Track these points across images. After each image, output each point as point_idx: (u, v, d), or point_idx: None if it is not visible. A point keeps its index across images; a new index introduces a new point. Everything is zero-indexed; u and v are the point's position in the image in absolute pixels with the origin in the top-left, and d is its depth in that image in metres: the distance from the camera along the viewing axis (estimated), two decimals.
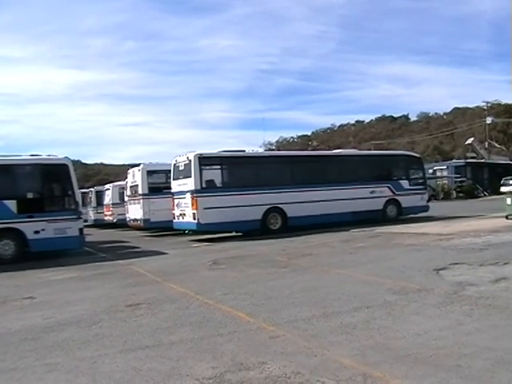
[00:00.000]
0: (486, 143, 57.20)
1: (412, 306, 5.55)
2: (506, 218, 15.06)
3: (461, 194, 39.70)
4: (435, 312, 5.26)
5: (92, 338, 5.15)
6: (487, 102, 61.73)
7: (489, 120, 58.67)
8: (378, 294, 6.29)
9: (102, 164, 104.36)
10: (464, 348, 4.08)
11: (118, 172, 56.24)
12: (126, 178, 22.36)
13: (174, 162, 16.97)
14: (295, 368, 3.86)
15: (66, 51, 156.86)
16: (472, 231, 12.30)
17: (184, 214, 15.92)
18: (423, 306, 5.56)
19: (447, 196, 39.75)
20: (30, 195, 12.79)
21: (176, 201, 16.50)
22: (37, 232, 12.48)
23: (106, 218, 28.07)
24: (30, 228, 12.41)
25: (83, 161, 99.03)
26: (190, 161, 15.57)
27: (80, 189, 27.08)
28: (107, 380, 3.90)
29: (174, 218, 16.73)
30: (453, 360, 3.83)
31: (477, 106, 72.71)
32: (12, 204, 12.36)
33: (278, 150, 64.11)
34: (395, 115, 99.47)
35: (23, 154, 14.01)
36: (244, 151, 17.85)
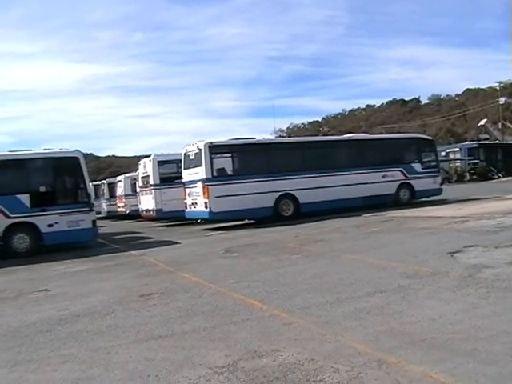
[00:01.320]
0: (500, 124, 56.24)
1: (426, 290, 5.47)
2: None
3: (474, 176, 39.13)
4: (450, 296, 5.18)
5: (105, 328, 5.17)
6: (500, 82, 60.71)
7: (502, 100, 57.70)
8: (391, 278, 6.22)
9: (113, 156, 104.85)
10: (480, 332, 4.00)
11: (130, 164, 56.44)
12: (138, 169, 22.45)
13: (184, 151, 16.95)
14: (309, 355, 3.83)
15: (75, 45, 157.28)
16: (486, 213, 12.11)
17: (196, 203, 15.94)
18: (438, 289, 5.47)
19: (460, 178, 39.25)
20: (42, 189, 12.89)
21: (187, 190, 16.51)
22: (50, 225, 12.59)
23: (118, 209, 28.25)
24: (43, 221, 12.53)
25: (95, 154, 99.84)
26: (200, 150, 15.53)
27: (92, 181, 27.39)
28: (120, 370, 3.90)
29: (186, 208, 16.75)
30: (469, 344, 3.76)
31: (489, 87, 71.56)
32: (25, 198, 12.48)
33: (289, 137, 63.85)
34: (406, 98, 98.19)
35: (36, 148, 14.09)
36: (254, 139, 17.74)
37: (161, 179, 19.79)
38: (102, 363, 4.11)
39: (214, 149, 15.60)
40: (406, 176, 18.57)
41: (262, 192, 15.68)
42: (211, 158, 15.40)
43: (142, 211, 21.60)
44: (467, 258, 7.00)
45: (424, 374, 3.31)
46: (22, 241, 12.52)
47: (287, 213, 16.27)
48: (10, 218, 12.32)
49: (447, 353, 3.64)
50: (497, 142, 49.41)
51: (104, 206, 31.56)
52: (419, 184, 18.61)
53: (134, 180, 25.10)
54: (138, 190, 22.57)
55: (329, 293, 5.77)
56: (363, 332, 4.27)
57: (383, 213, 15.31)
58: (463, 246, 7.91)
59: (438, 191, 19.28)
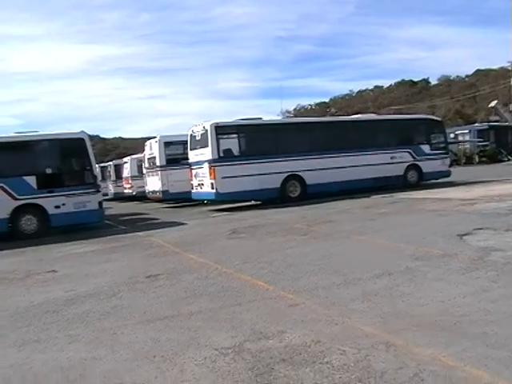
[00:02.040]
0: (511, 106, 55.33)
1: (435, 273, 5.41)
2: None
3: (483, 159, 38.68)
4: (459, 278, 5.12)
5: (111, 309, 5.17)
6: None
7: None
8: (399, 260, 6.16)
9: (120, 138, 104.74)
10: (490, 315, 3.95)
11: (136, 145, 56.34)
12: (144, 150, 22.38)
13: (190, 132, 16.84)
14: (315, 336, 3.80)
15: (82, 27, 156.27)
16: (496, 196, 11.96)
17: (202, 184, 15.90)
18: (446, 272, 5.41)
19: (469, 161, 38.85)
20: (48, 170, 12.88)
21: (194, 171, 16.45)
22: (57, 207, 12.62)
23: (125, 191, 28.25)
24: (50, 203, 12.55)
25: (102, 135, 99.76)
26: (207, 130, 15.42)
27: (99, 163, 27.31)
28: (126, 350, 3.90)
29: (193, 189, 16.72)
30: (478, 327, 3.71)
31: (501, 67, 70.24)
32: (32, 180, 12.48)
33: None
34: (415, 79, 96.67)
35: (43, 131, 13.99)
36: (261, 119, 17.58)
37: (167, 160, 19.70)
38: (109, 343, 4.11)
39: (221, 129, 15.48)
40: (414, 157, 18.38)
41: (268, 173, 15.58)
42: (217, 139, 15.28)
43: (149, 192, 21.60)
44: (477, 241, 6.91)
45: (432, 356, 3.27)
46: (29, 222, 12.56)
47: (294, 194, 16.19)
48: (17, 199, 12.35)
49: (456, 336, 3.59)
50: (507, 124, 48.67)
51: (111, 188, 31.56)
52: (427, 166, 18.42)
53: (140, 161, 25.03)
54: (144, 171, 22.53)
55: (336, 274, 5.73)
56: (370, 314, 4.23)
57: (391, 194, 15.22)
58: (472, 228, 7.82)
59: (447, 173, 19.09)
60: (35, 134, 13.33)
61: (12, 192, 12.31)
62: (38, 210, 12.54)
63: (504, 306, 4.14)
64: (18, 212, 12.40)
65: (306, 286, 5.32)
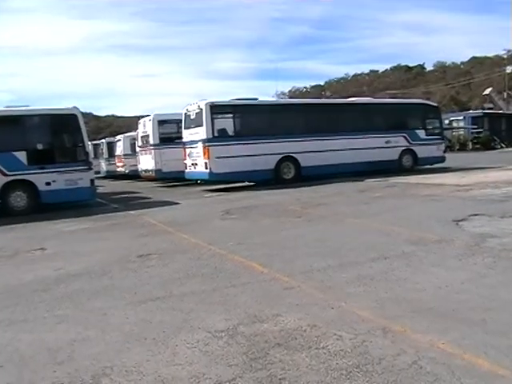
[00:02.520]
0: (505, 94, 55.19)
1: (431, 258, 5.35)
2: None
3: (477, 146, 38.76)
4: (456, 264, 5.05)
5: (102, 289, 5.06)
6: (508, 50, 59.27)
7: (508, 69, 56.38)
8: (395, 244, 6.09)
9: (113, 116, 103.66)
10: (488, 302, 3.89)
11: (130, 124, 55.76)
12: (138, 128, 22.08)
13: (184, 110, 16.59)
14: (311, 321, 3.72)
15: (75, 1, 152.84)
16: (491, 182, 11.94)
17: (196, 164, 15.73)
18: (443, 257, 5.35)
19: (463, 147, 38.89)
20: (39, 146, 12.62)
21: (188, 150, 16.25)
22: (48, 183, 12.39)
23: (118, 169, 27.94)
24: (41, 179, 12.32)
25: (95, 113, 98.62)
26: (202, 109, 15.18)
27: (92, 141, 26.91)
28: (116, 332, 3.79)
29: (186, 168, 16.55)
30: (477, 314, 3.64)
31: (496, 55, 70.21)
32: (22, 155, 12.23)
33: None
34: (411, 64, 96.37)
35: (35, 106, 13.63)
36: (256, 99, 17.34)
37: (161, 139, 19.46)
38: (98, 324, 4.01)
39: (216, 109, 15.25)
40: (409, 142, 18.30)
41: (263, 154, 15.44)
42: (212, 118, 15.07)
43: (142, 171, 21.39)
44: (473, 227, 6.86)
45: (431, 343, 3.20)
46: (19, 199, 12.33)
47: (288, 176, 16.09)
48: (6, 175, 12.11)
49: (454, 322, 3.53)
50: (501, 111, 48.64)
51: (103, 166, 31.19)
52: (422, 151, 18.37)
53: (133, 140, 24.74)
54: (137, 149, 22.28)
55: (331, 257, 5.65)
56: (367, 298, 4.16)
57: (386, 179, 15.13)
58: (468, 214, 7.76)
59: (441, 159, 19.05)
60: (26, 108, 13.03)
61: (1, 168, 12.06)
62: (28, 187, 12.31)
63: (502, 292, 4.09)
64: (8, 188, 12.17)
65: (301, 269, 5.24)
